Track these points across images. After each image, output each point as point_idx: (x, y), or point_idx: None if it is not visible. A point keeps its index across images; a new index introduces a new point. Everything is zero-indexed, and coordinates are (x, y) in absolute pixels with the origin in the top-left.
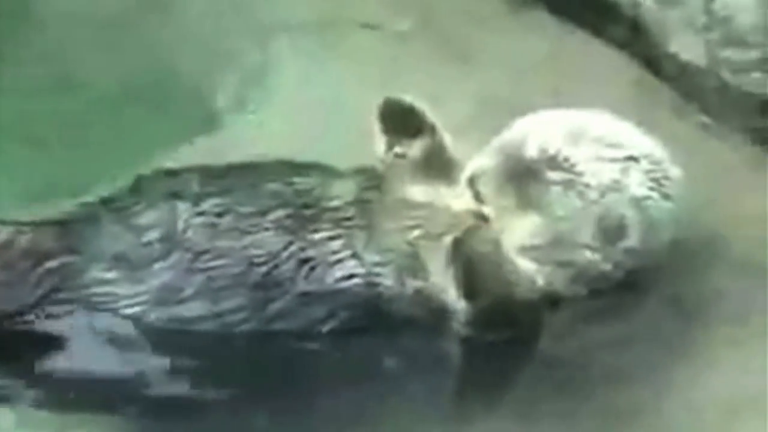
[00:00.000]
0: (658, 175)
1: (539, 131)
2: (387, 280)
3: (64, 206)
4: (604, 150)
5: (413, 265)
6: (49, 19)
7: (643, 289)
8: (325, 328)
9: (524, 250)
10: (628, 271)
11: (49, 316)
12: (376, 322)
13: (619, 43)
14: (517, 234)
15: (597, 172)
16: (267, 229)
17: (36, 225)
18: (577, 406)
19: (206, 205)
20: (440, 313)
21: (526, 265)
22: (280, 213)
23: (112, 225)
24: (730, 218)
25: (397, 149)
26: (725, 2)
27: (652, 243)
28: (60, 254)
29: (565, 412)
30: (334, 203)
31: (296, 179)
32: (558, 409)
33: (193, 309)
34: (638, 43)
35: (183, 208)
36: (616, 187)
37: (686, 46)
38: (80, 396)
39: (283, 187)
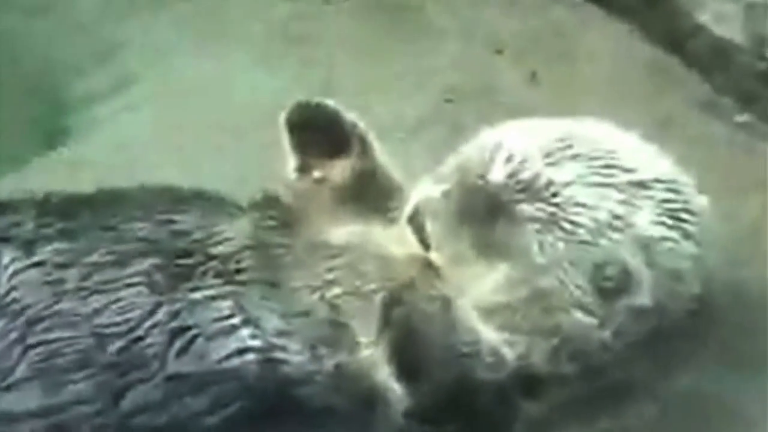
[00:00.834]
0: (677, 206)
1: (511, 147)
2: (295, 356)
3: None
4: (601, 172)
5: (332, 334)
6: None
7: (657, 368)
8: (207, 425)
9: (489, 312)
10: (635, 341)
11: None
12: (280, 414)
13: (629, 13)
14: (479, 290)
15: (591, 204)
16: (128, 285)
17: None
18: None
19: (43, 253)
20: (369, 401)
21: (490, 333)
22: (146, 264)
23: None
24: None
25: (315, 173)
26: None
27: (668, 301)
28: None
29: None
30: (223, 249)
31: (171, 216)
32: None
33: (23, 399)
34: (655, 12)
35: (10, 257)
36: (617, 224)
37: (720, 17)
38: None
39: (153, 228)
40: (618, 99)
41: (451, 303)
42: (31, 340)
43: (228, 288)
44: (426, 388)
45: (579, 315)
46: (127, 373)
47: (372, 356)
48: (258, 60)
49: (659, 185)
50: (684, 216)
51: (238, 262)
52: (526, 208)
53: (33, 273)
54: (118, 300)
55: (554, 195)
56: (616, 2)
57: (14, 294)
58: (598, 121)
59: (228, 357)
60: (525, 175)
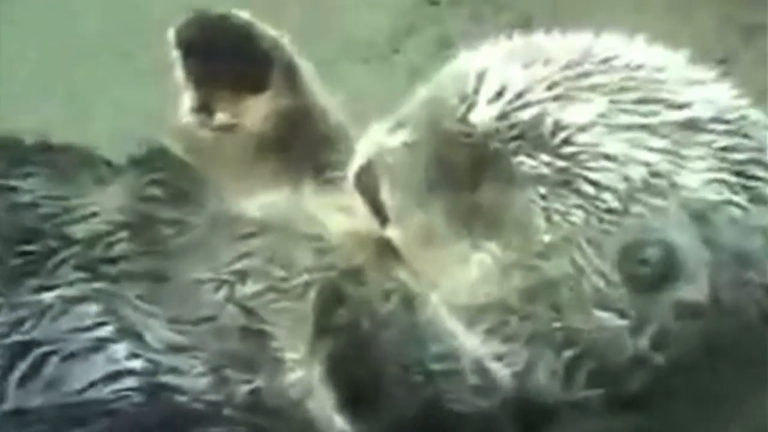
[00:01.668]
0: (744, 156)
1: (502, 75)
2: (192, 381)
3: None
4: (633, 109)
5: (246, 348)
6: None
7: (720, 394)
8: None
9: (473, 313)
10: (686, 353)
11: None
12: None
13: None
14: (458, 281)
15: (619, 156)
16: None
17: None
18: None
19: None
20: None
21: (474, 343)
22: None
23: None
24: None
25: (219, 116)
26: None
27: (733, 295)
28: None
29: None
30: (86, 229)
31: (7, 181)
32: None
33: None
34: None
35: None
36: (657, 185)
37: None
38: None
39: None
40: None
41: (416, 300)
42: None
43: (94, 285)
44: (382, 422)
45: (603, 316)
46: None
47: (303, 379)
48: None
49: (718, 127)
50: (755, 171)
51: (108, 247)
52: (526, 163)
53: None
54: None
55: (565, 143)
56: None
57: None
58: (625, 37)
59: (95, 384)
60: (523, 115)
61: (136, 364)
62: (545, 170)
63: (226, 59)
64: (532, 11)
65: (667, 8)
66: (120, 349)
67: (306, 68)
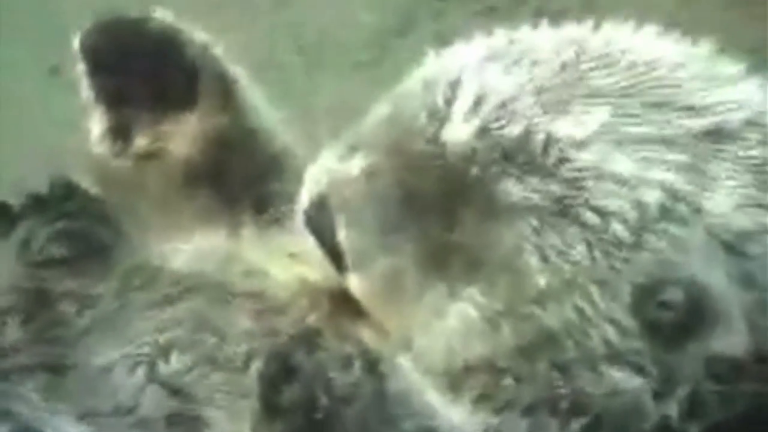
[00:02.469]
0: None
1: (480, 81)
2: None
3: None
4: (644, 117)
5: None
6: None
7: None
8: None
9: (454, 378)
10: (724, 422)
11: None
12: None
13: None
14: (435, 339)
15: (628, 176)
16: None
17: None
18: None
19: None
20: None
21: (459, 418)
22: None
23: None
24: None
25: (140, 140)
26: None
27: None
28: None
29: None
30: None
31: None
32: None
33: None
34: None
35: None
36: (678, 210)
37: None
38: None
39: None
40: None
41: (383, 366)
42: None
43: None
44: None
45: (618, 375)
46: None
47: None
48: None
49: (751, 135)
50: None
51: None
52: (514, 189)
53: None
54: None
55: (561, 163)
56: None
57: None
58: (632, 26)
59: None
60: (507, 131)
61: None
62: (538, 197)
63: (144, 72)
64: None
65: None
66: None
67: (243, 80)
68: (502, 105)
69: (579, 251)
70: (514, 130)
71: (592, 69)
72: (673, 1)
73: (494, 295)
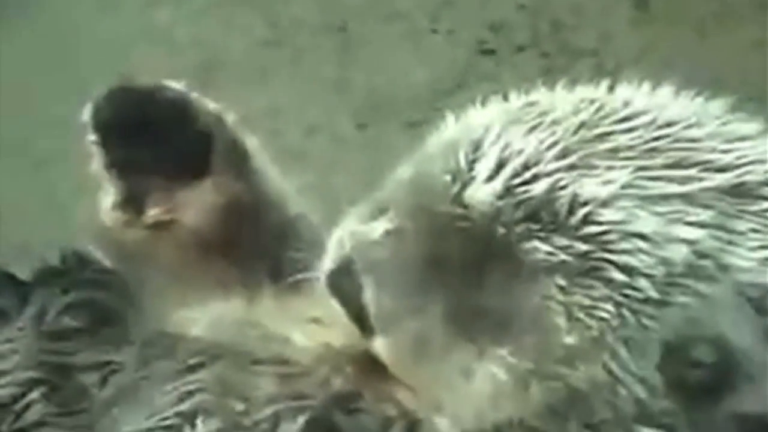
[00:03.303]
0: None
1: (503, 140)
2: None
3: None
4: (667, 175)
5: None
6: None
7: None
8: None
9: None
10: None
11: None
12: None
13: None
14: (465, 400)
15: (654, 235)
16: None
17: None
18: None
19: None
20: None
21: None
22: None
23: None
24: None
25: (152, 210)
26: None
27: None
28: None
29: None
30: None
31: None
32: None
33: None
34: None
35: None
36: (705, 268)
37: None
38: None
39: None
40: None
41: (422, 428)
42: None
43: None
44: None
45: None
46: None
47: None
48: None
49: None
50: None
51: (19, 415)
52: (540, 249)
53: None
54: None
55: (587, 222)
56: None
57: None
58: (647, 86)
59: None
60: (532, 190)
61: None
62: (564, 256)
63: (156, 142)
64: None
65: None
66: None
67: (255, 148)
68: (525, 165)
69: (605, 309)
70: (538, 188)
71: (612, 129)
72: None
73: (522, 356)
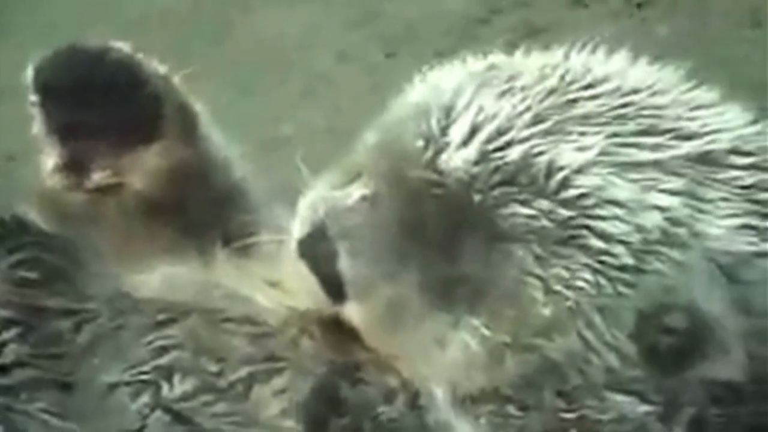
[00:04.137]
0: None
1: (477, 105)
2: None
3: None
4: (641, 143)
5: None
6: None
7: None
8: None
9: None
10: None
11: None
12: None
13: None
14: (433, 369)
15: (628, 201)
16: None
17: None
18: None
19: None
20: None
21: None
22: None
23: None
24: None
25: (97, 174)
26: None
27: None
28: None
29: None
30: None
31: None
32: None
33: None
34: None
35: None
36: (677, 235)
37: None
38: None
39: None
40: None
41: (422, 399)
42: None
43: None
44: None
45: (623, 400)
46: None
47: None
48: None
49: (739, 160)
50: None
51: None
52: (519, 214)
53: None
54: None
55: (565, 186)
56: None
57: None
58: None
59: None
60: (508, 154)
61: None
62: (544, 222)
63: (102, 105)
64: None
65: None
66: None
67: (201, 112)
68: (499, 130)
69: (583, 278)
70: (513, 154)
71: (578, 94)
72: None
73: (497, 326)
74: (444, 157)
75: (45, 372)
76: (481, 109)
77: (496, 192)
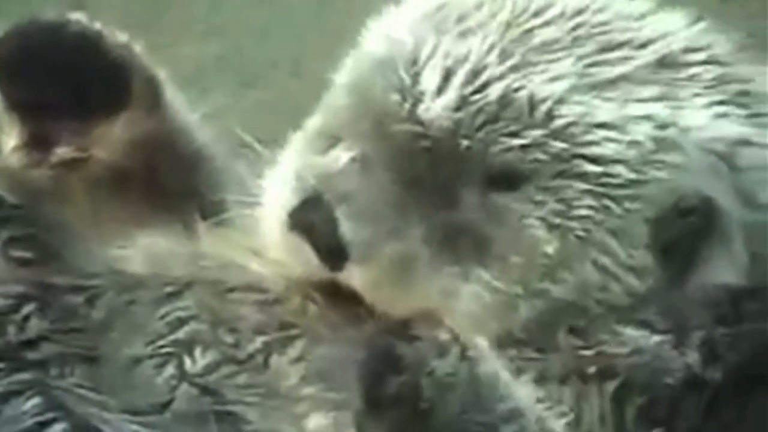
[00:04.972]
0: (738, 87)
1: (439, 50)
2: None
3: None
4: (609, 59)
5: None
6: None
7: None
8: None
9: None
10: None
11: None
12: None
13: None
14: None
15: (614, 120)
16: None
17: None
18: None
19: None
20: None
21: (525, 394)
22: None
23: None
24: None
25: (61, 149)
26: None
27: None
28: None
29: None
30: None
31: None
32: None
33: None
34: None
35: None
36: (667, 137)
37: None
38: None
39: None
40: None
41: (474, 351)
42: None
43: (21, 376)
44: None
45: (635, 334)
46: None
47: None
48: None
49: (694, 57)
50: (759, 108)
51: (20, 327)
52: (508, 148)
53: None
54: None
55: (549, 119)
56: None
57: None
58: None
59: None
60: (487, 94)
61: None
62: (537, 154)
63: (63, 79)
64: None
65: None
66: None
67: (165, 80)
68: (473, 72)
69: (588, 205)
70: (493, 93)
71: (531, 23)
72: None
73: (507, 278)
74: (423, 107)
75: (69, 347)
76: (447, 54)
77: (482, 133)
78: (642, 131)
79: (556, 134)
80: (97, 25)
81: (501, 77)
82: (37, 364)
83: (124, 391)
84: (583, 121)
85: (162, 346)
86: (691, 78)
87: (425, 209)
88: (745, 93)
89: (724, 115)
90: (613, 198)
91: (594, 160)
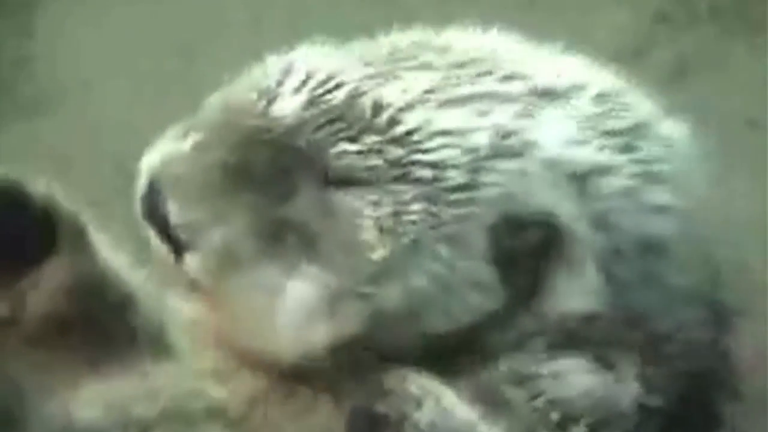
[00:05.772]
0: (624, 124)
1: (309, 63)
2: None
3: None
4: (472, 81)
5: None
6: None
7: None
8: None
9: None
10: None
11: None
12: None
13: None
14: (266, 321)
15: (457, 129)
16: None
17: None
18: None
19: None
20: None
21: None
22: None
23: None
24: None
25: None
26: None
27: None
28: None
29: None
30: None
31: None
32: None
33: None
34: None
35: None
36: (508, 145)
37: None
38: None
39: None
40: None
41: (447, 400)
42: None
43: None
44: None
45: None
46: None
47: None
48: None
49: (577, 93)
50: (638, 143)
51: None
52: (346, 152)
53: None
54: None
55: (391, 125)
56: None
57: None
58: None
59: None
60: (335, 96)
61: None
62: (375, 160)
63: None
64: None
65: None
66: None
67: (89, 221)
68: (329, 76)
69: (417, 210)
70: (340, 95)
71: (425, 51)
72: None
73: (332, 272)
74: (276, 105)
75: None
76: (314, 64)
77: (323, 132)
78: (482, 138)
79: (395, 141)
80: (17, 176)
81: (353, 82)
82: None
83: None
84: (424, 128)
85: None
86: (565, 108)
87: (254, 200)
88: (631, 130)
89: (583, 142)
90: (445, 202)
91: (428, 165)
